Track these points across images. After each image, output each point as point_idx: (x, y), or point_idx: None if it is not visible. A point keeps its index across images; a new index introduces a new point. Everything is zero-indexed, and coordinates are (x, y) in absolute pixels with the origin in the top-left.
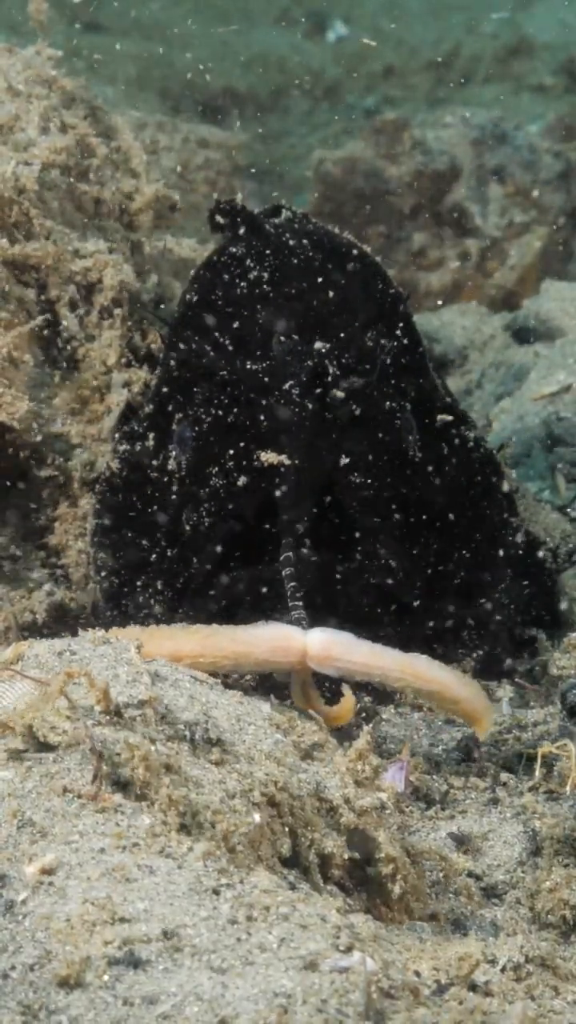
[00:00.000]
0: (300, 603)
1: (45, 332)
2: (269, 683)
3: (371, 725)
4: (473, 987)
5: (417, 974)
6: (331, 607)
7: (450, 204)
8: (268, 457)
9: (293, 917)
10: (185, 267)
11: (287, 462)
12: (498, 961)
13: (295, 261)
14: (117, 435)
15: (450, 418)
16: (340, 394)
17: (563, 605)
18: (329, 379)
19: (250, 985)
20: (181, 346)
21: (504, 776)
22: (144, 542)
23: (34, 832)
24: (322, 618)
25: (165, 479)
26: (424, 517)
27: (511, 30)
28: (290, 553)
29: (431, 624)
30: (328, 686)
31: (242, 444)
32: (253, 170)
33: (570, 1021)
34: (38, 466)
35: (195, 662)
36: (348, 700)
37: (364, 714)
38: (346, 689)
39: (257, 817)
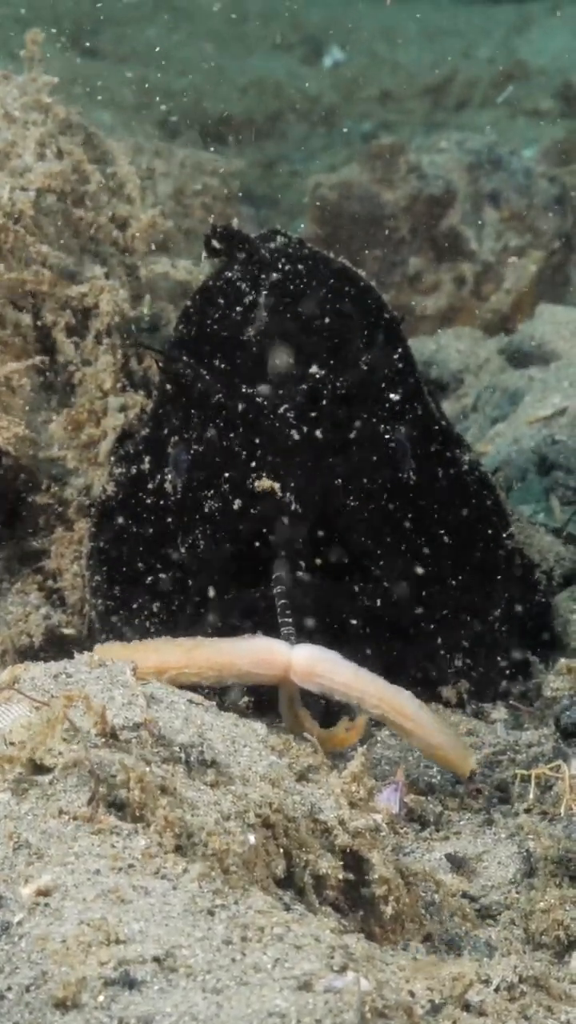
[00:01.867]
0: (290, 620)
1: (43, 357)
2: (264, 704)
3: (366, 747)
4: (467, 1007)
5: (411, 994)
6: (326, 629)
7: (445, 228)
8: (262, 484)
9: (288, 937)
10: (181, 289)
11: (279, 489)
12: (492, 981)
13: (291, 286)
14: (113, 459)
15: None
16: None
17: (557, 627)
18: (324, 403)
19: (245, 1005)
20: (177, 370)
21: (498, 797)
22: (140, 565)
23: (30, 854)
24: (317, 640)
25: (161, 502)
26: (419, 540)
27: (507, 55)
28: (282, 573)
29: (426, 646)
30: (324, 707)
31: (237, 467)
32: (250, 195)
33: None
34: (34, 490)
35: (180, 674)
36: (359, 724)
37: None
38: (361, 716)
39: (252, 838)
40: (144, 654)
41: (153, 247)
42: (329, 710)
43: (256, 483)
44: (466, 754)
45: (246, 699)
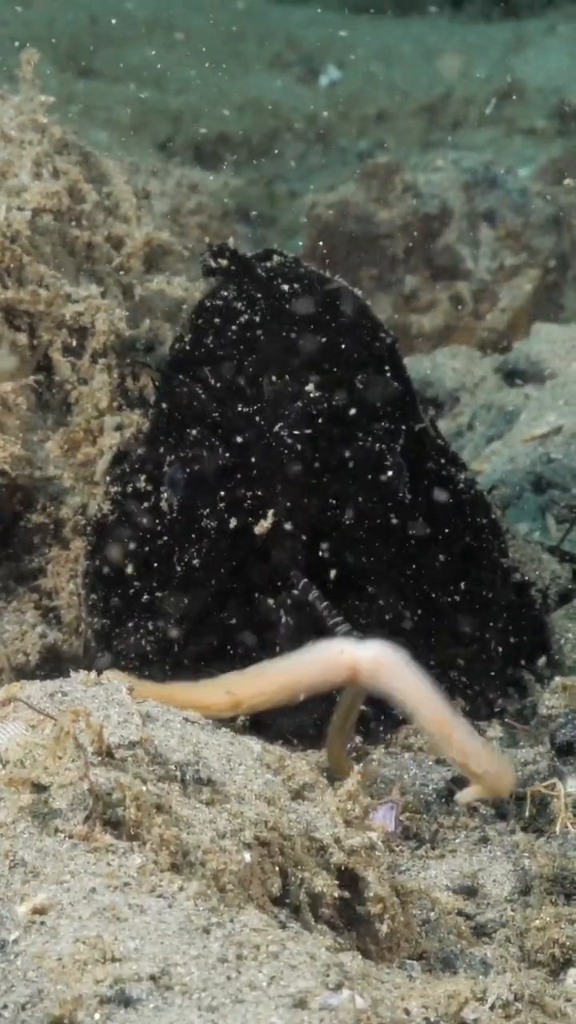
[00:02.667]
0: (339, 617)
1: (39, 376)
2: (261, 723)
3: (362, 766)
4: None
5: (407, 1012)
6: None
7: (441, 247)
8: (263, 526)
9: (283, 955)
10: (177, 307)
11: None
12: (488, 999)
13: (286, 305)
14: (109, 478)
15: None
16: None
17: (553, 645)
18: (320, 421)
19: (240, 1023)
20: (172, 388)
21: (494, 815)
22: (136, 583)
23: (26, 872)
24: None
25: (156, 520)
26: (415, 558)
27: (503, 73)
28: (306, 579)
29: (421, 664)
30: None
31: (233, 485)
32: (246, 214)
33: None
34: (30, 509)
35: (255, 705)
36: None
37: (355, 754)
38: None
39: (248, 856)
40: (211, 692)
41: (149, 266)
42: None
43: (257, 527)
44: (510, 782)
45: (242, 718)
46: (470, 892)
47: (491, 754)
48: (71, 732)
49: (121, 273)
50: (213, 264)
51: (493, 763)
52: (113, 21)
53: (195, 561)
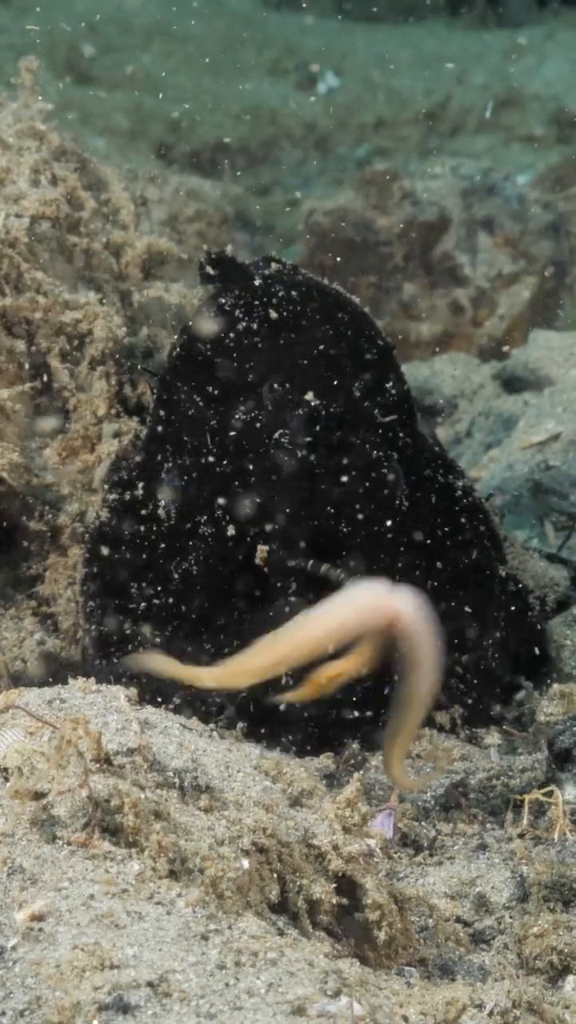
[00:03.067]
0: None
1: (36, 383)
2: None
3: (361, 773)
4: None
5: (405, 1019)
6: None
7: (439, 254)
8: (261, 553)
9: (281, 962)
10: (175, 314)
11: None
12: (486, 1006)
13: (285, 313)
14: (107, 485)
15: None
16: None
17: (551, 653)
18: (318, 428)
19: None
20: (170, 395)
21: (492, 822)
22: (133, 590)
23: (24, 879)
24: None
25: (154, 527)
26: (413, 565)
27: (501, 81)
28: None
29: None
30: None
31: (231, 491)
32: (245, 221)
33: None
34: (28, 516)
35: (296, 659)
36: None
37: (353, 761)
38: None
39: (246, 863)
40: (250, 659)
41: (147, 273)
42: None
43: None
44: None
45: (241, 725)
46: (482, 903)
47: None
48: (72, 741)
49: (119, 280)
50: (211, 271)
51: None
52: (111, 28)
53: (193, 568)
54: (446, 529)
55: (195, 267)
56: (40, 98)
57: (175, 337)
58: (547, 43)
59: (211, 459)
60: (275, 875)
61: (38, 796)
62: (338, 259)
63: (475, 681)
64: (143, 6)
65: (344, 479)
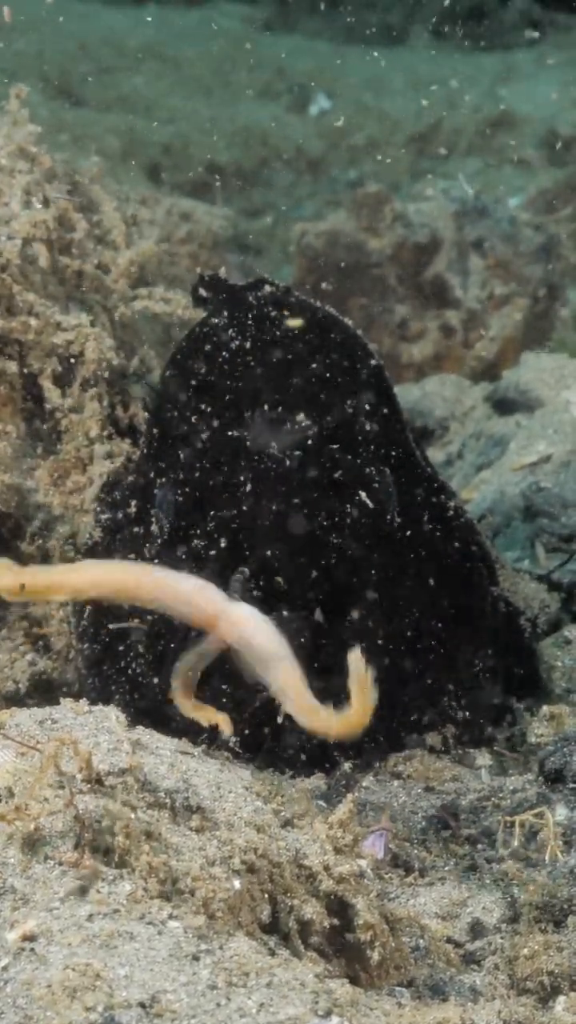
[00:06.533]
0: (239, 586)
1: (28, 404)
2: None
3: (353, 794)
4: None
5: None
6: (308, 667)
7: (431, 276)
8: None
9: (272, 982)
10: (165, 332)
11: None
12: None
13: (277, 333)
14: (98, 505)
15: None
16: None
17: (542, 674)
18: (310, 445)
19: None
20: (163, 414)
21: (483, 843)
22: (126, 608)
23: (15, 899)
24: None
25: (147, 544)
26: (404, 584)
27: (492, 103)
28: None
29: (410, 690)
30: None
31: (223, 508)
32: (237, 243)
33: None
34: (20, 537)
35: (120, 591)
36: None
37: (345, 782)
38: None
39: (237, 883)
40: (90, 568)
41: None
42: None
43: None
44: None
45: (235, 739)
46: (478, 932)
47: (330, 718)
48: (55, 758)
49: (110, 299)
50: (204, 293)
51: (331, 724)
52: (103, 50)
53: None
54: (438, 549)
55: (188, 290)
56: (31, 120)
57: (168, 358)
58: (538, 65)
59: (204, 477)
60: (266, 895)
61: (28, 816)
62: (329, 281)
63: (466, 701)
64: (136, 28)
65: (335, 496)
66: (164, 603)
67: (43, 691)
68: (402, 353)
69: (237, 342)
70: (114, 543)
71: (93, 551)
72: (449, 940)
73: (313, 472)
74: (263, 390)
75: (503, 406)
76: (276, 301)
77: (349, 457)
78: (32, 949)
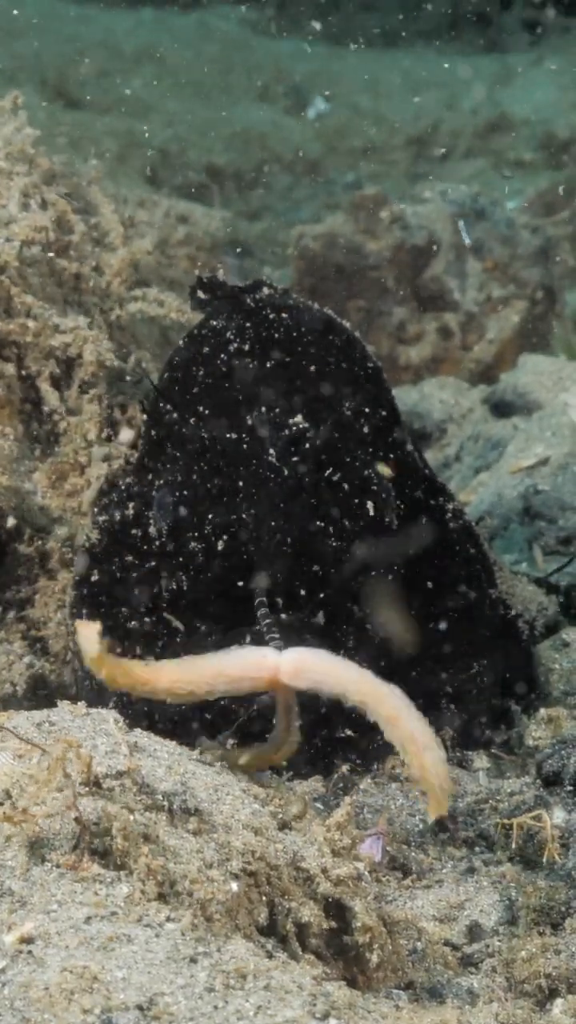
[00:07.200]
0: (277, 634)
1: (26, 406)
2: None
3: (351, 796)
4: None
5: None
6: None
7: (429, 279)
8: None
9: (270, 985)
10: (160, 328)
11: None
12: None
13: (275, 335)
14: (96, 507)
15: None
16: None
17: (540, 676)
18: (307, 447)
19: None
20: (161, 416)
21: (481, 846)
22: (124, 609)
23: (13, 901)
24: None
25: (145, 546)
26: (402, 586)
27: (490, 106)
28: (264, 598)
29: (409, 692)
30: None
31: (221, 510)
32: (235, 245)
33: None
34: (18, 540)
35: (174, 687)
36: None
37: (343, 785)
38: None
39: (235, 886)
40: (138, 672)
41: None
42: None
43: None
44: (447, 786)
45: (231, 741)
46: (477, 936)
47: (432, 737)
48: (63, 761)
49: (106, 301)
50: (203, 295)
51: (437, 759)
52: (101, 53)
53: (184, 585)
54: (436, 551)
55: (186, 291)
56: (29, 123)
57: (166, 359)
58: (536, 68)
59: (202, 478)
60: (264, 898)
61: (27, 818)
62: (327, 283)
63: (463, 704)
64: (133, 31)
65: (333, 498)
66: (219, 687)
67: (41, 693)
68: (400, 355)
69: (235, 344)
70: (112, 544)
71: (90, 552)
72: (447, 943)
73: (311, 474)
74: (261, 392)
75: (501, 408)
76: (274, 303)
77: (347, 459)
78: (30, 951)
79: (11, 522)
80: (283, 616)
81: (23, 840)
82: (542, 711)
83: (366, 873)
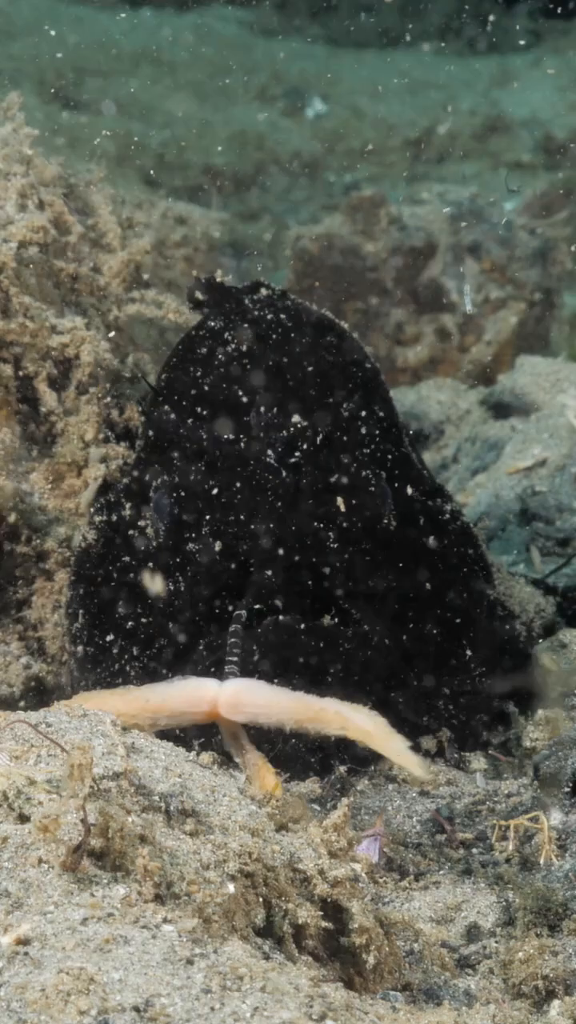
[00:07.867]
0: (235, 658)
1: (23, 407)
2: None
3: (349, 798)
4: None
5: None
6: (306, 673)
7: (426, 280)
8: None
9: (266, 986)
10: (158, 329)
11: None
12: None
13: (273, 336)
14: (93, 508)
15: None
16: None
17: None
18: (305, 447)
19: None
20: (159, 417)
21: (477, 847)
22: (120, 611)
23: (9, 903)
24: (296, 681)
25: (142, 547)
26: (399, 587)
27: (488, 107)
28: (243, 611)
29: (406, 694)
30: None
31: (218, 511)
32: (232, 247)
33: None
34: (15, 541)
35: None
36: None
37: (340, 786)
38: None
39: (231, 887)
40: (92, 703)
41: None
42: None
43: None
44: (417, 759)
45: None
46: (474, 937)
47: (371, 717)
48: (86, 768)
49: (104, 302)
50: (201, 297)
51: (375, 723)
52: (99, 54)
53: (180, 586)
54: (433, 552)
55: (183, 293)
56: (27, 124)
57: (165, 360)
58: (534, 70)
59: (200, 479)
60: (261, 899)
61: (23, 820)
62: (325, 284)
63: (461, 705)
64: (131, 32)
65: (330, 498)
66: (161, 719)
67: (37, 694)
68: (398, 357)
69: (233, 345)
70: (109, 545)
71: (88, 553)
72: (444, 944)
73: (309, 475)
74: (259, 393)
75: (499, 410)
76: (272, 304)
77: (345, 460)
78: (26, 953)
79: (8, 522)
80: (282, 617)
81: (20, 841)
82: (539, 712)
83: (363, 874)
